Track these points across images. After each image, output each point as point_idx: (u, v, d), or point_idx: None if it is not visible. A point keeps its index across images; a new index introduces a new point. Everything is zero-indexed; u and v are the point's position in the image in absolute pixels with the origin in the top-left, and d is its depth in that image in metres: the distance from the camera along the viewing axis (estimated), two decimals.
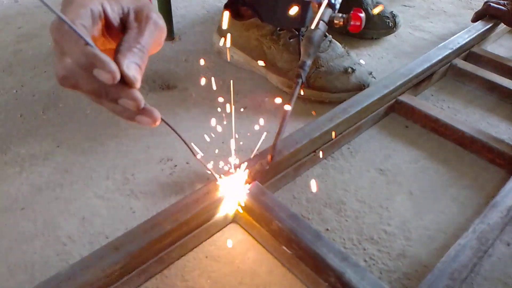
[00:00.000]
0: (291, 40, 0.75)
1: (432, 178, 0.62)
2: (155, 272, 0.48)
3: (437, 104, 0.77)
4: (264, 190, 0.51)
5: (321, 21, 0.54)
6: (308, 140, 0.59)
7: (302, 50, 0.53)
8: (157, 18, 0.35)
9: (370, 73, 0.76)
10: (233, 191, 0.51)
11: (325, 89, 0.74)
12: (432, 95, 0.80)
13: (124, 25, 0.35)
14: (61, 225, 0.54)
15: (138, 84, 0.33)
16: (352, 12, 0.58)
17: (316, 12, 0.55)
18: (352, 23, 0.57)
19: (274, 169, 0.56)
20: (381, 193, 0.60)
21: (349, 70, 0.73)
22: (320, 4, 0.56)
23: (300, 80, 0.51)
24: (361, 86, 0.73)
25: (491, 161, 0.64)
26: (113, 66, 0.30)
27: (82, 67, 0.31)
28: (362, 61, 0.79)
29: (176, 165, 0.62)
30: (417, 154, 0.66)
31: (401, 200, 0.59)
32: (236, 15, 0.79)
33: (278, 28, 0.76)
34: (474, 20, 0.96)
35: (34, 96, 0.74)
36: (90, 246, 0.51)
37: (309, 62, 0.52)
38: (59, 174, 0.60)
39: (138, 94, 0.33)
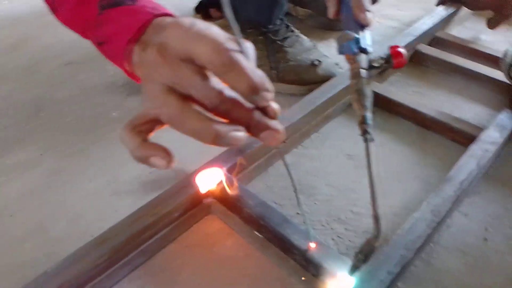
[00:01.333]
0: (260, 37, 0.79)
1: (398, 160, 0.66)
2: (138, 264, 0.51)
3: (402, 89, 0.81)
4: (235, 181, 0.54)
5: (361, 69, 0.51)
6: None
7: (356, 106, 0.48)
8: None
9: (337, 64, 0.79)
10: (208, 184, 0.55)
11: (294, 82, 0.77)
12: (398, 81, 0.83)
13: None
14: (49, 228, 0.57)
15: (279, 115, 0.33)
16: (390, 50, 0.54)
17: (353, 63, 0.52)
18: (395, 61, 0.53)
19: (246, 161, 0.60)
20: (349, 177, 0.64)
21: (316, 62, 0.77)
22: (354, 55, 0.52)
23: (368, 136, 0.45)
24: (328, 77, 0.77)
25: (453, 140, 0.68)
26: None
27: (251, 91, 0.29)
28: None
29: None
30: (383, 138, 0.70)
31: (367, 183, 0.63)
32: (206, 16, 0.83)
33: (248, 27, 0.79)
34: (438, 4, 0.99)
35: (17, 108, 0.78)
36: (77, 245, 0.55)
37: (368, 114, 0.46)
38: (44, 180, 0.64)
39: (281, 126, 0.32)
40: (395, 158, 0.67)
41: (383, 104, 0.74)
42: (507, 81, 0.71)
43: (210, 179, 0.55)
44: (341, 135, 0.71)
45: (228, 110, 0.31)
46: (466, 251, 0.54)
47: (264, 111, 0.32)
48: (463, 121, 0.68)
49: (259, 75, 0.30)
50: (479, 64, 0.81)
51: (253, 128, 0.32)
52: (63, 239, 0.56)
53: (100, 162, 0.66)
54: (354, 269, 0.43)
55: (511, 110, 0.66)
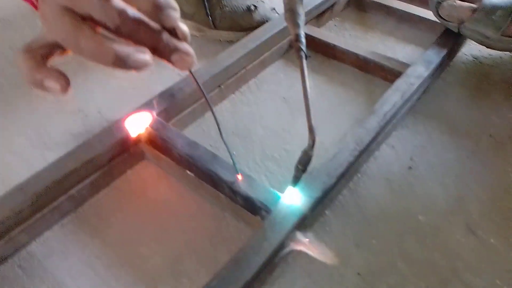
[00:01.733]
0: None
1: (331, 100, 0.68)
2: (69, 210, 0.51)
3: (339, 33, 0.82)
4: (164, 124, 0.54)
5: None
6: (209, 76, 0.62)
7: (289, 24, 0.50)
8: None
9: (273, 9, 0.79)
10: (136, 129, 0.54)
11: (231, 28, 0.77)
12: (336, 26, 0.84)
13: None
14: None
15: (189, 39, 0.32)
16: None
17: None
18: None
19: (178, 106, 0.60)
20: (284, 119, 0.65)
21: (252, 7, 0.76)
22: None
23: (302, 54, 0.47)
24: (264, 23, 0.76)
25: (384, 78, 0.70)
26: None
27: (155, 8, 0.29)
28: None
29: (87, 115, 0.64)
30: (318, 79, 0.71)
31: (301, 123, 0.64)
32: None
33: None
34: None
35: None
36: None
37: (301, 32, 0.49)
38: None
39: (192, 49, 0.32)
40: (328, 99, 0.68)
41: (319, 47, 0.75)
42: (436, 19, 0.73)
43: (139, 124, 0.54)
44: (278, 79, 0.72)
45: (132, 31, 0.30)
46: (391, 179, 0.56)
47: (173, 33, 0.31)
48: (394, 59, 0.69)
49: None
50: (413, 6, 0.83)
51: (161, 51, 0.31)
52: None
53: (30, 116, 0.64)
54: (295, 180, 0.47)
55: (438, 46, 0.68)
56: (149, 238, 0.50)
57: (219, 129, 0.44)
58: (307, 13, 0.76)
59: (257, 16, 0.77)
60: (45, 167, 0.49)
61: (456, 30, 0.69)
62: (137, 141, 0.55)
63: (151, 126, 0.54)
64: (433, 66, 0.64)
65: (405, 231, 0.51)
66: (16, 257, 0.48)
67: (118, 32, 0.30)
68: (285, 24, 0.72)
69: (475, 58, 0.76)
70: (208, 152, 0.51)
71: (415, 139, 0.61)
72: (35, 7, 0.37)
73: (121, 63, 0.29)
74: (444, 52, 0.66)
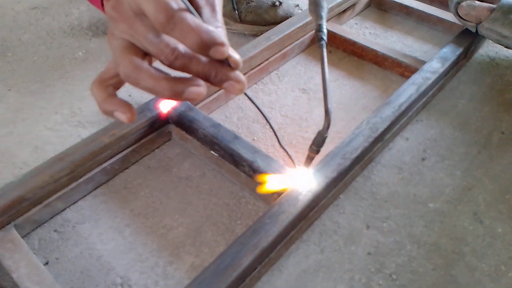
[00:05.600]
0: None
1: (348, 93, 0.71)
2: (102, 182, 0.55)
3: (360, 31, 0.85)
4: (191, 106, 0.58)
5: None
6: None
7: (313, 15, 0.53)
8: None
9: (297, 6, 0.82)
10: (165, 110, 0.58)
11: (255, 22, 0.80)
12: (357, 24, 0.87)
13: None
14: (16, 154, 0.60)
15: (241, 65, 0.33)
16: None
17: None
18: None
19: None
20: (302, 108, 0.68)
21: (277, 3, 0.80)
22: None
23: (323, 42, 0.49)
24: (288, 18, 0.80)
25: (401, 75, 0.73)
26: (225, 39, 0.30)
27: (200, 47, 0.30)
28: None
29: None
30: (337, 74, 0.74)
31: (318, 112, 0.67)
32: None
33: None
34: None
35: None
36: None
37: (323, 22, 0.51)
38: (11, 113, 0.66)
39: (243, 76, 0.33)
40: (345, 92, 0.71)
41: (339, 43, 0.78)
42: (455, 20, 0.75)
43: (168, 105, 0.58)
44: (298, 72, 0.75)
45: (184, 65, 0.31)
46: (403, 168, 0.59)
47: (225, 62, 0.32)
48: (411, 56, 0.72)
49: (206, 31, 0.30)
50: (432, 7, 0.85)
51: (212, 81, 0.32)
52: (31, 163, 0.59)
53: (65, 96, 0.69)
54: (308, 160, 0.49)
55: (455, 45, 0.70)
56: (174, 211, 0.53)
57: (277, 137, 0.48)
58: (329, 10, 0.80)
59: (281, 12, 0.80)
60: (82, 140, 0.53)
61: (474, 30, 0.72)
62: (166, 121, 0.59)
63: (179, 108, 0.57)
64: (448, 63, 0.66)
65: (414, 216, 0.53)
66: (52, 222, 0.52)
67: (172, 66, 0.32)
68: (307, 19, 0.75)
69: (492, 59, 0.78)
70: (230, 133, 0.54)
71: (428, 133, 0.64)
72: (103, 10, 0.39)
73: (177, 97, 0.32)
74: (460, 50, 0.69)
